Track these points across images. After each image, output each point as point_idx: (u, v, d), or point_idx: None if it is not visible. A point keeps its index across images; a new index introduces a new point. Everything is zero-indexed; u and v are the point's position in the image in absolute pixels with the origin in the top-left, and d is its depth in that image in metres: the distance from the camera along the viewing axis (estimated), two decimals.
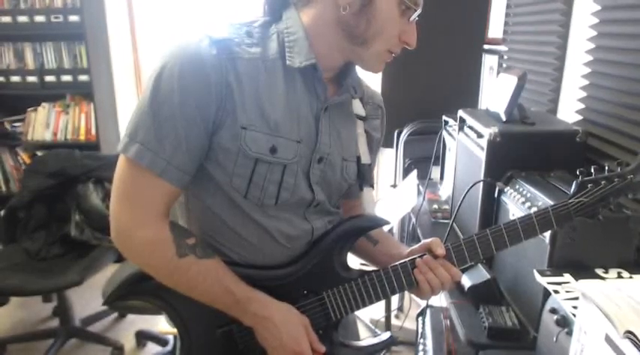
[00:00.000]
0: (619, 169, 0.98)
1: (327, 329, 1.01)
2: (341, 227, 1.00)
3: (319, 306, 0.99)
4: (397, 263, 0.98)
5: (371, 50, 0.92)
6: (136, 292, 0.99)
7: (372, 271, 0.99)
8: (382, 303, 2.70)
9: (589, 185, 0.98)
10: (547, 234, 1.07)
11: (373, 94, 1.12)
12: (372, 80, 3.08)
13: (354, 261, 1.14)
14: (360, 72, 1.04)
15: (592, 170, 1.00)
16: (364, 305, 1.00)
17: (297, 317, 0.96)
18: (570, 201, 0.97)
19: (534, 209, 1.15)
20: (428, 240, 1.00)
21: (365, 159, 1.05)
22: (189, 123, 0.84)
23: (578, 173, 1.00)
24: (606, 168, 1.00)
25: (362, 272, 1.00)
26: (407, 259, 0.98)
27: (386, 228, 2.41)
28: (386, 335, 1.06)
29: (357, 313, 1.20)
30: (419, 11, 0.91)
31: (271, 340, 0.93)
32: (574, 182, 1.00)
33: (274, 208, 0.94)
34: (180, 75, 0.82)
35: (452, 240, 1.00)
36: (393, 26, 0.90)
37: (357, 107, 1.06)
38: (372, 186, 1.08)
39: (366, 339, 1.08)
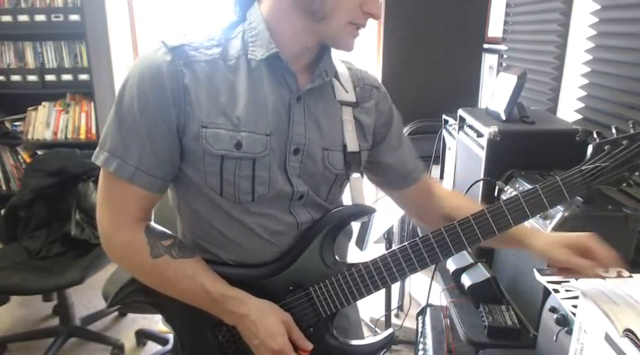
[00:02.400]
0: None
1: (318, 326, 0.98)
2: (325, 219, 0.99)
3: (307, 302, 0.97)
4: (386, 253, 0.94)
5: (333, 25, 0.89)
6: (136, 294, 1.00)
7: (360, 263, 0.96)
8: (382, 302, 2.70)
9: (606, 147, 0.86)
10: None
11: (363, 76, 1.07)
12: None
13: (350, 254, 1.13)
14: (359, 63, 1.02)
15: (613, 130, 0.87)
16: (354, 300, 0.97)
17: (277, 313, 0.94)
18: (584, 167, 0.87)
19: None
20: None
21: (352, 147, 1.01)
22: (151, 127, 0.87)
23: (595, 135, 0.88)
24: (631, 126, 0.86)
25: (349, 265, 0.97)
26: (397, 248, 0.94)
27: (386, 227, 2.41)
28: (386, 333, 1.03)
29: (361, 315, 1.20)
30: None
31: (251, 338, 0.93)
32: (590, 145, 0.87)
33: (254, 204, 0.93)
34: (139, 83, 0.87)
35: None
36: None
37: (343, 93, 1.03)
38: (360, 173, 1.04)
39: (365, 338, 1.06)
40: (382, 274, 0.94)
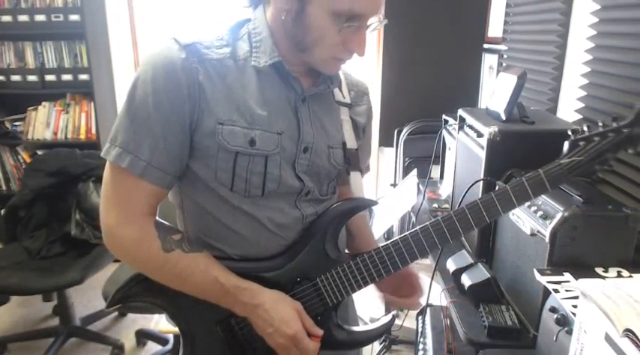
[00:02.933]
0: (614, 124, 0.95)
1: (325, 315, 1.02)
2: (330, 211, 1.02)
3: (314, 292, 1.00)
4: (388, 242, 0.99)
5: (313, 57, 0.93)
6: (136, 293, 1.01)
7: (364, 253, 1.00)
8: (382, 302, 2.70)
9: (581, 143, 0.96)
10: (547, 233, 1.07)
11: (358, 82, 1.14)
12: (373, 79, 3.09)
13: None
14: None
15: (585, 128, 0.98)
16: (359, 288, 1.01)
17: (289, 302, 0.97)
18: (562, 161, 0.96)
19: (534, 207, 1.15)
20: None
21: (351, 144, 1.07)
22: (164, 123, 0.88)
23: (570, 132, 0.98)
24: (600, 124, 0.97)
25: (354, 255, 1.01)
26: (398, 237, 0.98)
27: (386, 227, 2.42)
28: (387, 318, 1.07)
29: (358, 312, 1.21)
30: (372, 21, 0.90)
31: (265, 327, 0.95)
32: (565, 142, 0.98)
33: (263, 198, 0.96)
34: (153, 80, 0.87)
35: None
36: (330, 35, 0.89)
37: (341, 94, 1.08)
38: (360, 170, 1.10)
39: (367, 325, 1.09)
40: (385, 263, 0.99)
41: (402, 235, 0.98)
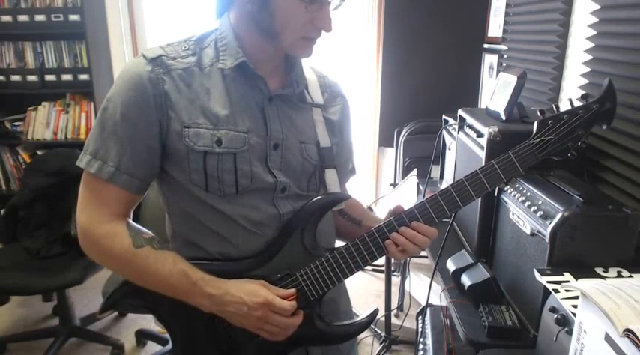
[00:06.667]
0: (583, 101, 0.98)
1: (308, 310, 1.03)
2: (306, 207, 1.05)
3: (295, 287, 1.02)
4: (364, 233, 1.01)
5: (286, 40, 0.97)
6: (127, 298, 1.06)
7: (342, 246, 1.02)
8: (382, 302, 2.70)
9: (549, 122, 0.98)
10: (547, 233, 1.07)
11: (331, 84, 1.18)
12: (373, 79, 3.08)
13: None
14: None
15: (553, 107, 0.99)
16: (339, 281, 1.03)
17: (251, 280, 0.99)
18: (532, 141, 0.98)
19: (534, 207, 1.15)
20: (392, 208, 1.04)
21: (324, 142, 1.09)
22: (132, 132, 0.95)
23: (538, 113, 1.00)
24: (571, 102, 0.99)
25: (331, 249, 1.04)
26: (373, 228, 1.01)
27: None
28: (369, 312, 1.09)
29: (356, 311, 1.21)
30: None
31: (238, 308, 0.96)
32: (534, 122, 0.99)
33: (238, 197, 0.99)
34: (121, 92, 0.95)
35: (451, 238, 1.00)
36: (298, 16, 0.93)
37: (314, 95, 1.11)
38: (334, 167, 1.11)
39: (352, 320, 1.11)
40: (362, 253, 1.01)
41: (378, 225, 1.01)
